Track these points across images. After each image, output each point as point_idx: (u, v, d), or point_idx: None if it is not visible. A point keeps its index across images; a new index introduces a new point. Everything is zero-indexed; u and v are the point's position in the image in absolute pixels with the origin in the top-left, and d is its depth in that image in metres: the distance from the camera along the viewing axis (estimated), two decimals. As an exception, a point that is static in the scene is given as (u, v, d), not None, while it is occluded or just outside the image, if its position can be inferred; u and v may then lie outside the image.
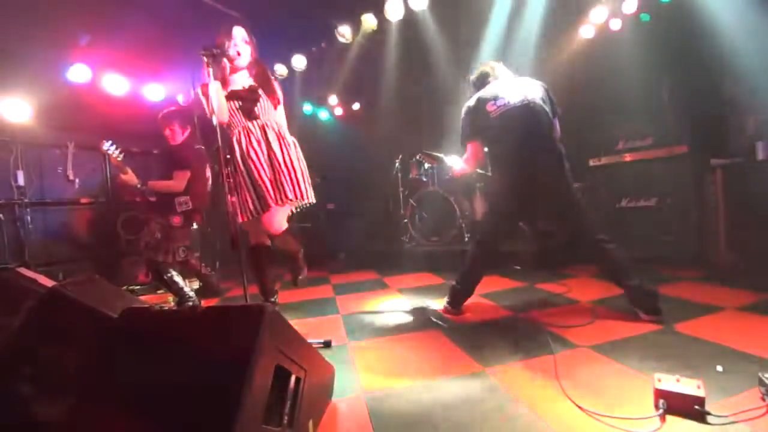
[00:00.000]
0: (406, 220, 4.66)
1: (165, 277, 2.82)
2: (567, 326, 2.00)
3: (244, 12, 4.07)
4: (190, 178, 2.90)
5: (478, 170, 4.34)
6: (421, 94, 5.67)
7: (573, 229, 2.20)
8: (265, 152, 2.02)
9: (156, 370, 0.95)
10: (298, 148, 2.15)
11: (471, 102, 2.33)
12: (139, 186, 2.81)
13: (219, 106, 1.95)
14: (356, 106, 6.31)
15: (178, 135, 2.97)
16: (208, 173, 3.13)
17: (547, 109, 2.20)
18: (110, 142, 2.73)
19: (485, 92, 2.30)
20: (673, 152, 3.30)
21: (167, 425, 0.87)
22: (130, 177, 2.81)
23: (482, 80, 2.42)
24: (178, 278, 2.87)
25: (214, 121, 1.81)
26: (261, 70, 2.10)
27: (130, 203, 4.46)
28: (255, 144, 2.01)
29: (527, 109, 2.17)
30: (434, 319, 2.30)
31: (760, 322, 1.87)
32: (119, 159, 2.75)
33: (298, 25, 4.42)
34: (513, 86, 2.26)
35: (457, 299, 2.40)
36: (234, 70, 2.09)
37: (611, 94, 3.86)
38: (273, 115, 2.10)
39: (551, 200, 2.20)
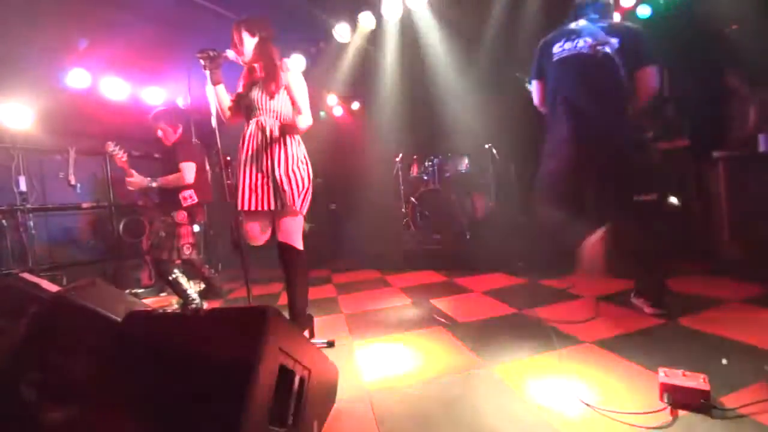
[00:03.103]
0: (407, 219, 4.66)
1: (170, 278, 2.83)
2: (571, 322, 1.99)
3: (243, 14, 4.08)
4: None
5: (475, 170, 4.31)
6: (420, 93, 5.66)
7: (619, 206, 1.95)
8: (253, 154, 1.91)
9: (160, 373, 0.95)
10: (292, 149, 1.95)
11: (548, 35, 2.06)
12: (150, 184, 2.83)
13: (217, 108, 1.90)
14: (356, 105, 6.31)
15: (170, 134, 2.97)
16: (208, 167, 3.14)
17: (618, 61, 1.82)
18: (114, 142, 2.75)
19: (563, 28, 2.02)
20: (674, 146, 3.29)
21: (173, 428, 0.87)
22: (137, 179, 2.83)
23: (576, 9, 2.07)
24: (182, 279, 2.88)
25: (213, 123, 1.82)
26: (267, 60, 1.93)
27: (132, 207, 4.47)
28: (250, 143, 1.92)
29: (584, 59, 1.86)
30: (437, 317, 2.30)
31: (764, 314, 1.86)
32: (124, 160, 2.77)
33: (296, 25, 4.42)
34: (590, 29, 1.92)
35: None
36: (251, 70, 1.99)
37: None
38: (271, 107, 1.93)
39: (606, 170, 1.88)
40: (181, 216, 2.86)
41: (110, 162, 4.52)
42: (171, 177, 2.86)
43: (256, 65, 1.97)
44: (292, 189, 1.90)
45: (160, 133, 2.97)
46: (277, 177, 1.88)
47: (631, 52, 1.83)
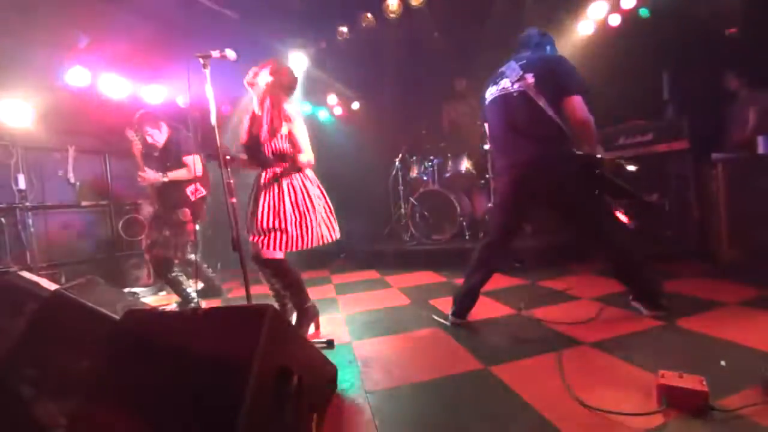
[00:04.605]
0: (406, 219, 4.66)
1: (170, 276, 2.84)
2: (569, 323, 1.99)
3: (244, 13, 4.08)
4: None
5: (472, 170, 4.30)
6: (420, 93, 5.67)
7: (576, 227, 2.11)
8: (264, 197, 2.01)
9: (159, 371, 0.95)
10: (297, 192, 2.04)
11: (488, 81, 2.20)
12: (162, 179, 2.85)
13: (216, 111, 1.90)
14: (356, 105, 6.31)
15: (158, 135, 2.98)
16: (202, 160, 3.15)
17: (534, 96, 1.89)
18: (134, 131, 2.82)
19: (495, 71, 2.14)
20: (673, 147, 3.29)
21: (171, 426, 0.87)
22: (149, 174, 2.84)
23: (520, 46, 2.14)
24: (182, 278, 2.88)
25: (213, 121, 1.82)
26: (276, 110, 2.01)
27: (132, 204, 4.47)
28: (264, 187, 2.03)
29: (503, 99, 2.01)
30: (436, 318, 2.30)
31: (762, 316, 1.86)
32: (140, 149, 2.80)
33: (296, 25, 4.42)
34: (511, 69, 2.02)
35: (463, 307, 2.18)
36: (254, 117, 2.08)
37: (611, 89, 3.85)
38: (283, 158, 2.03)
39: (549, 195, 2.01)
40: (186, 214, 2.87)
41: (110, 160, 4.52)
42: (179, 171, 2.87)
43: (258, 113, 2.06)
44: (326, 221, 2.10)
45: (149, 139, 2.98)
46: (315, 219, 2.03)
47: (549, 86, 1.89)
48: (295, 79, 2.11)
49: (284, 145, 2.01)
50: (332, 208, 2.16)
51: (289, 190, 2.01)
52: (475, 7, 4.40)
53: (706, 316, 1.92)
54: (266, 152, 2.01)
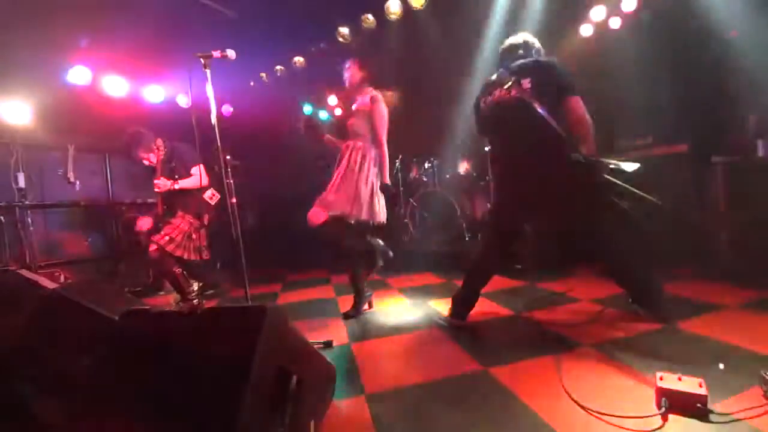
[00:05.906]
0: (406, 220, 4.66)
1: (175, 270, 2.86)
2: (568, 325, 1.99)
3: (245, 13, 4.08)
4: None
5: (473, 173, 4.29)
6: (420, 94, 5.67)
7: (575, 230, 2.10)
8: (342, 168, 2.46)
9: (157, 372, 0.95)
10: (363, 167, 2.44)
11: (480, 90, 2.22)
12: (174, 187, 2.91)
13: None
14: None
15: (152, 157, 3.01)
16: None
17: (533, 101, 1.87)
18: (162, 139, 2.92)
19: (485, 82, 2.18)
20: (673, 150, 3.29)
21: (169, 427, 0.87)
22: (164, 182, 2.89)
23: (505, 56, 2.17)
24: (184, 277, 2.90)
25: (213, 121, 1.82)
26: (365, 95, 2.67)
27: (131, 204, 4.47)
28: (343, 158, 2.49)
29: (501, 107, 2.01)
30: (436, 319, 2.30)
31: (761, 319, 1.86)
32: (162, 158, 2.88)
33: (297, 25, 4.42)
34: (502, 78, 2.02)
35: (462, 309, 2.17)
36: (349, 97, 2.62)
37: (611, 92, 3.85)
38: (360, 133, 2.58)
39: (548, 201, 2.01)
40: (207, 218, 2.94)
41: (110, 159, 4.51)
42: (188, 180, 2.94)
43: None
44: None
45: (146, 162, 3.00)
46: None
47: (546, 89, 1.90)
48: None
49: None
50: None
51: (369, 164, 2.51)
52: (475, 8, 4.40)
53: (706, 318, 1.92)
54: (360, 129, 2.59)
